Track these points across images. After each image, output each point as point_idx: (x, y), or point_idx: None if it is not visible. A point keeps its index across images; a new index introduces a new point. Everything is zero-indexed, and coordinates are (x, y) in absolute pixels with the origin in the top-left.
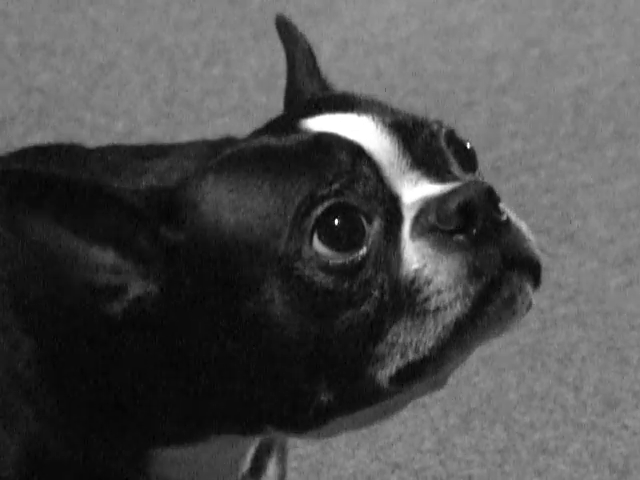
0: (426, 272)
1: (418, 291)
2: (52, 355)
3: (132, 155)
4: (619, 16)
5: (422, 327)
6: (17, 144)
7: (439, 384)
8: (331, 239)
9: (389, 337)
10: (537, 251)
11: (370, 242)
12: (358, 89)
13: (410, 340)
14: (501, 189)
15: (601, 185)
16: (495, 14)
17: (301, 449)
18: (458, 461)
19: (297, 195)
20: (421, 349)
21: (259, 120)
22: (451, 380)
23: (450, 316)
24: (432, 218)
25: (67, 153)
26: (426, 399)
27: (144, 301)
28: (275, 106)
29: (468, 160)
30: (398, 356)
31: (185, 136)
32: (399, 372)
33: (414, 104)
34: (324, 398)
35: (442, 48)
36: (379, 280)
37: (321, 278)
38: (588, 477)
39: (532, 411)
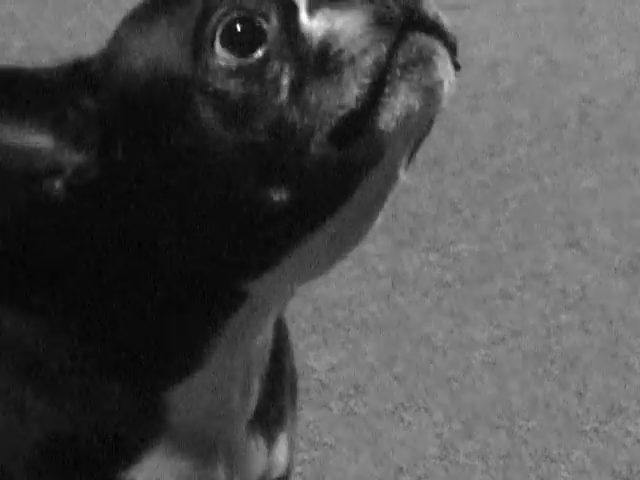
0: (333, 28)
1: (328, 51)
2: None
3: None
4: (624, 23)
5: (342, 81)
6: None
7: (390, 179)
8: (232, 44)
9: (314, 104)
10: (445, 18)
11: (270, 38)
12: None
13: (335, 97)
14: (506, 195)
15: (605, 192)
16: (500, 21)
17: (305, 454)
18: (461, 467)
19: (191, 14)
20: (347, 101)
21: None
22: (455, 386)
23: (367, 60)
24: None
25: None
26: (430, 404)
27: (83, 174)
28: None
29: None
30: (328, 117)
31: None
32: (335, 132)
33: None
34: (278, 197)
35: None
36: (288, 69)
37: (232, 85)
38: None
39: (535, 417)
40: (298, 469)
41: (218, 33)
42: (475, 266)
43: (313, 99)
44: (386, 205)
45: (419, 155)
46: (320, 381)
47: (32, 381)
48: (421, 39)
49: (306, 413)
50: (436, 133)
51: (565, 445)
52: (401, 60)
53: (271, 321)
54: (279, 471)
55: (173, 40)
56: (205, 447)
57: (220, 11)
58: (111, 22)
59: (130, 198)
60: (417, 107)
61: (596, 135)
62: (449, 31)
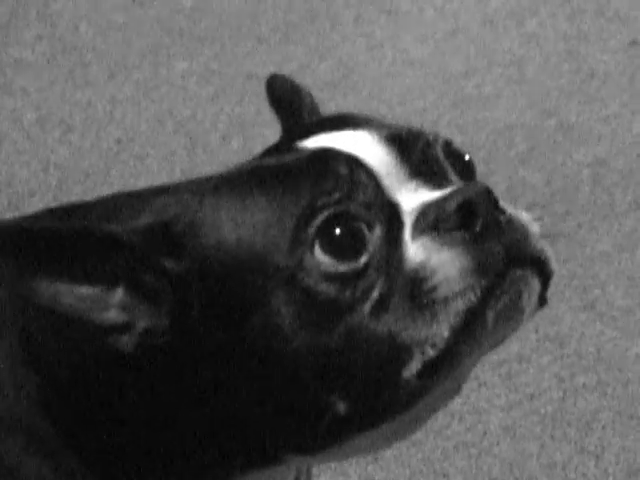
0: (431, 262)
1: (423, 280)
2: (61, 396)
3: (133, 197)
4: (635, 86)
5: (434, 318)
6: None
7: (455, 390)
8: (332, 248)
9: (396, 328)
10: (542, 246)
11: (371, 249)
12: None
13: (425, 335)
14: None
15: (620, 254)
16: (511, 85)
17: None
18: None
19: (296, 206)
20: (437, 341)
21: None
22: (473, 450)
23: (460, 305)
24: (432, 218)
25: (72, 209)
26: (448, 469)
27: (154, 333)
28: None
29: (466, 171)
30: (418, 353)
31: None
32: (420, 370)
33: None
34: (340, 409)
35: (459, 119)
36: (382, 284)
37: (324, 287)
38: None
39: None
40: None
41: (320, 234)
42: None
43: (399, 325)
44: None
45: None
46: None
47: None
48: (517, 277)
49: None
50: None
51: None
52: (498, 305)
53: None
54: None
55: (272, 226)
56: None
57: (327, 212)
58: (123, 96)
59: (193, 364)
60: (500, 339)
61: (609, 198)
62: (545, 257)
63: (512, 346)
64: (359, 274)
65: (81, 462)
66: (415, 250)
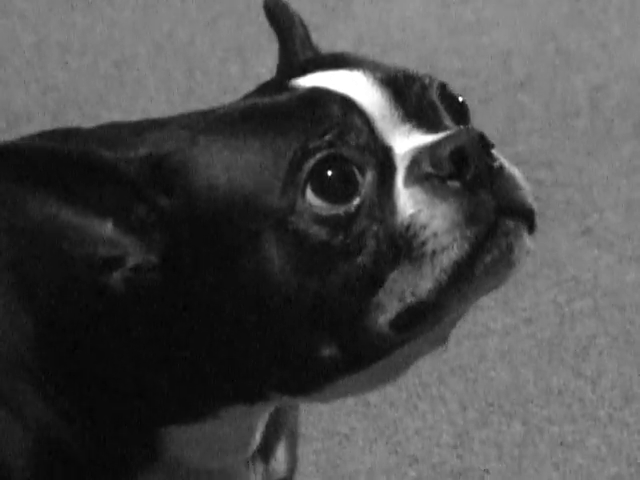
0: (422, 216)
1: (414, 236)
2: (55, 336)
3: (129, 129)
4: (636, 12)
5: (420, 271)
6: None
7: (440, 341)
8: (324, 191)
9: (387, 284)
10: (531, 198)
11: (363, 193)
12: None
13: (408, 284)
14: None
15: (618, 180)
16: (510, 10)
17: (319, 443)
18: (476, 455)
19: (288, 148)
20: (419, 292)
21: None
22: (469, 374)
23: (447, 259)
24: (425, 165)
25: (69, 134)
26: (444, 393)
27: (144, 270)
28: None
29: (461, 114)
30: (396, 301)
31: None
32: (399, 317)
33: None
34: (327, 352)
35: (458, 45)
36: (374, 230)
37: (315, 230)
38: (606, 471)
39: (550, 405)
40: (312, 458)
41: (312, 177)
42: None
43: (388, 277)
44: None
45: None
46: None
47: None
48: (509, 228)
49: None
50: None
51: (580, 432)
52: (487, 258)
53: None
54: (279, 474)
55: (264, 169)
56: (202, 477)
57: (319, 155)
58: (122, 19)
59: (183, 304)
60: (487, 291)
61: (608, 124)
62: (533, 209)
63: None
64: (351, 218)
65: (72, 405)
66: (406, 200)
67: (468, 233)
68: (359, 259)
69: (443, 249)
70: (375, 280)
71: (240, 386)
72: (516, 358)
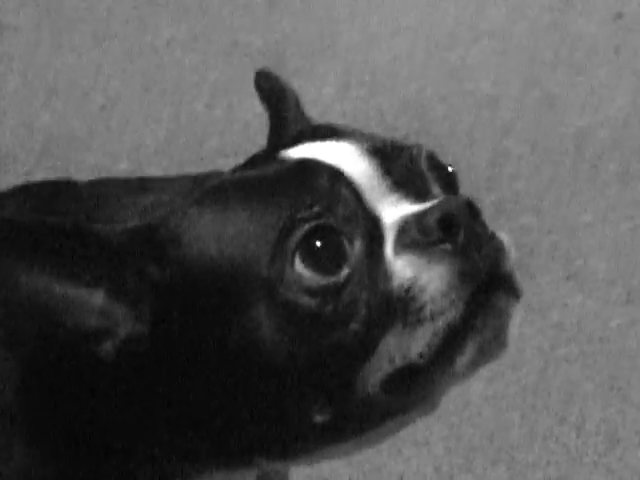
0: (420, 280)
1: (413, 299)
2: (40, 385)
3: (120, 189)
4: (619, 58)
5: (413, 334)
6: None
7: (430, 405)
8: (313, 261)
9: (381, 349)
10: (517, 272)
11: (353, 262)
12: (360, 129)
13: (400, 347)
14: (503, 229)
15: (603, 225)
16: (496, 56)
17: None
18: None
19: (277, 219)
20: (411, 354)
21: None
22: (454, 419)
23: (442, 321)
24: (414, 233)
25: (57, 190)
26: (429, 438)
27: (135, 340)
28: None
29: (450, 183)
30: (387, 362)
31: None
32: (390, 379)
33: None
34: (319, 419)
35: (444, 89)
36: (364, 298)
37: (305, 301)
38: None
39: (534, 450)
40: None
41: (300, 247)
42: None
43: (381, 340)
44: None
45: None
46: None
47: None
48: (501, 301)
49: None
50: None
51: (564, 478)
52: (479, 324)
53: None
54: None
55: (253, 239)
56: None
57: (307, 226)
58: (108, 62)
59: (171, 371)
60: (479, 366)
61: (593, 169)
62: (520, 288)
63: None
64: (340, 288)
65: (55, 450)
66: (402, 265)
67: (463, 293)
68: (350, 327)
69: (441, 313)
70: (367, 346)
71: (226, 451)
72: (501, 403)
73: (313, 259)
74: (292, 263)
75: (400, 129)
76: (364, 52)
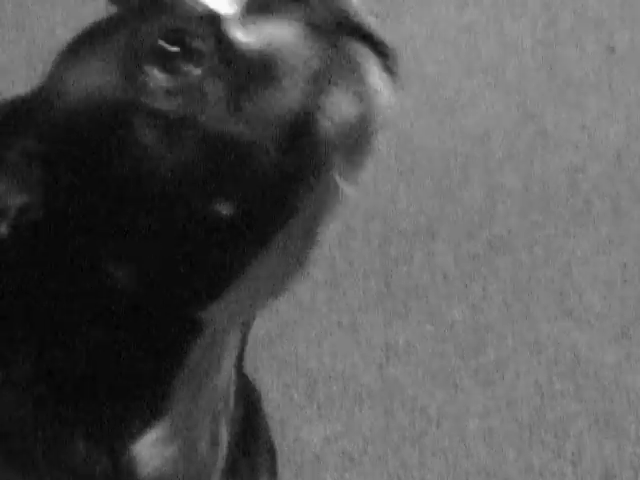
0: (265, 39)
1: (264, 59)
2: None
3: None
4: (612, 93)
5: (278, 91)
6: None
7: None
8: (167, 65)
9: (254, 115)
10: (366, 15)
11: (206, 56)
12: None
13: (274, 107)
14: (497, 265)
15: (597, 260)
16: (489, 91)
17: None
18: None
19: (124, 39)
20: (285, 108)
21: None
22: (450, 456)
23: (300, 69)
24: (254, 5)
25: None
26: (425, 475)
27: (28, 213)
28: None
29: None
30: (270, 127)
31: None
32: (277, 141)
33: (409, 181)
34: (225, 211)
35: (437, 125)
36: (228, 84)
37: (171, 104)
38: None
39: None
40: None
41: (152, 55)
42: (468, 336)
43: (255, 111)
44: (380, 278)
45: (410, 225)
46: (315, 454)
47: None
48: (353, 46)
49: None
50: (427, 203)
51: None
52: (336, 68)
53: (230, 357)
54: None
55: (108, 68)
56: None
57: (152, 35)
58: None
59: (76, 228)
60: (353, 115)
61: (587, 204)
62: (381, 39)
63: (489, 352)
64: (199, 84)
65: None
66: (249, 37)
67: (314, 42)
68: (222, 115)
69: (294, 61)
70: (244, 120)
71: (164, 312)
72: (497, 439)
73: (167, 63)
74: (148, 74)
75: (392, 166)
76: None
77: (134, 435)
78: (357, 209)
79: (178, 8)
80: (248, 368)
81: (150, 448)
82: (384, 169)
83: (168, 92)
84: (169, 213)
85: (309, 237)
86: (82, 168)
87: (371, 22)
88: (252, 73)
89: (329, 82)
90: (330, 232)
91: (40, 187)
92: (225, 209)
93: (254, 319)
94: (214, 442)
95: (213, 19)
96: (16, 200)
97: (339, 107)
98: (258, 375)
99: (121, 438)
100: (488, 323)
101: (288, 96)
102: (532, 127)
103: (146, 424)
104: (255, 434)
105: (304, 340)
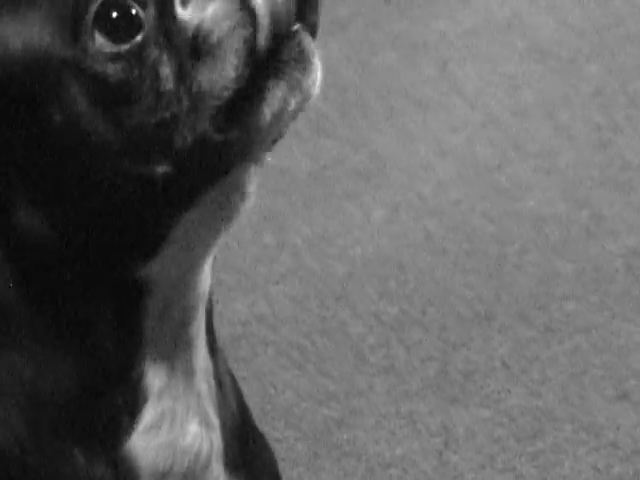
0: (203, 15)
1: (201, 32)
2: None
3: None
4: None
5: (215, 64)
6: None
7: (263, 147)
8: (110, 31)
9: (193, 88)
10: None
11: (148, 25)
12: (409, 253)
13: (213, 80)
14: (555, 351)
15: None
16: (544, 176)
17: None
18: None
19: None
20: (227, 82)
21: (312, 284)
22: None
23: (234, 43)
24: None
25: None
26: None
27: None
28: (328, 271)
29: None
30: (209, 99)
31: (238, 305)
32: (218, 114)
33: (465, 266)
34: (160, 170)
35: (492, 211)
36: (166, 55)
37: (112, 69)
38: None
39: None
40: None
41: (96, 18)
42: (526, 421)
43: (194, 84)
44: (438, 363)
45: (466, 310)
46: None
47: None
48: (300, 36)
49: None
50: (483, 288)
51: None
52: (284, 57)
53: (197, 330)
54: None
55: (51, 22)
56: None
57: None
58: None
59: (7, 180)
60: (292, 106)
61: None
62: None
63: (547, 437)
64: (140, 50)
65: None
66: (189, 13)
67: (248, 16)
68: (160, 85)
69: (227, 34)
70: (184, 92)
71: (107, 269)
72: None
73: (110, 29)
74: (92, 36)
75: (449, 251)
76: (412, 175)
77: (126, 429)
78: (413, 295)
79: None
80: (307, 455)
81: (143, 438)
82: (440, 254)
83: (109, 57)
84: (104, 170)
85: (238, 192)
86: (14, 118)
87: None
88: (191, 48)
89: (278, 72)
90: (387, 317)
91: None
92: (160, 169)
93: (210, 293)
94: (206, 423)
95: None
96: None
97: (281, 99)
98: (317, 462)
99: (114, 436)
100: (546, 408)
101: (223, 72)
102: (587, 211)
103: (133, 414)
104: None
105: (362, 427)
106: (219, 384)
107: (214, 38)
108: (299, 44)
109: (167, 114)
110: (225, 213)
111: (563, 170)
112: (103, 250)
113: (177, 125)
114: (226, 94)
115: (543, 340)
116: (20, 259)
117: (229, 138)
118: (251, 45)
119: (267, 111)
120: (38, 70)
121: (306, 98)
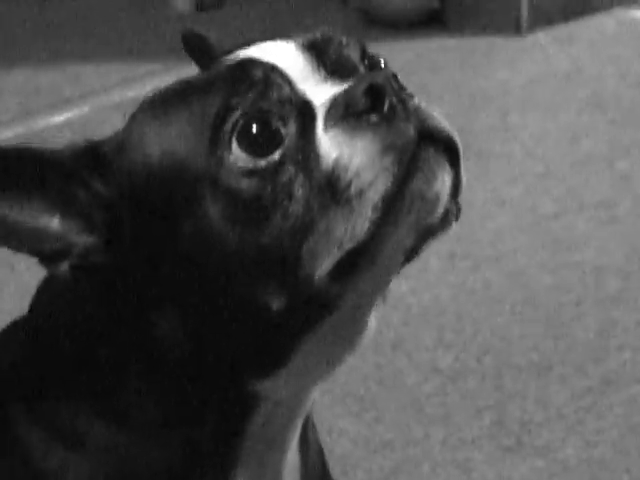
0: (343, 158)
1: (339, 179)
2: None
3: None
4: None
5: (351, 214)
6: None
7: (380, 291)
8: (249, 145)
9: (320, 230)
10: (449, 128)
11: (287, 143)
12: (466, 302)
13: (343, 230)
14: (612, 401)
15: None
16: (602, 226)
17: None
18: None
19: (212, 108)
20: (355, 235)
21: None
22: None
23: (375, 195)
24: (341, 107)
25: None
26: None
27: (89, 255)
28: (384, 319)
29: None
30: (334, 248)
31: None
32: (338, 267)
33: (522, 316)
34: (276, 305)
35: (550, 261)
36: (301, 179)
37: (245, 184)
38: None
39: None
40: None
41: (236, 131)
42: (582, 472)
43: (322, 223)
44: (494, 413)
45: (523, 360)
46: None
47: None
48: (430, 155)
49: None
50: (540, 338)
51: None
52: (412, 185)
53: (293, 430)
54: None
55: (191, 133)
56: None
57: (239, 111)
58: None
59: (134, 282)
60: (412, 242)
61: None
62: (453, 138)
63: None
64: (277, 168)
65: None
66: (328, 144)
67: (389, 163)
68: (290, 208)
69: (368, 186)
70: (308, 228)
71: (221, 383)
72: None
73: (249, 142)
74: (229, 148)
75: (506, 300)
76: (469, 225)
77: None
78: (470, 344)
79: (271, 89)
80: None
81: None
82: (496, 304)
83: (245, 172)
84: (224, 289)
85: (357, 323)
86: (147, 222)
87: (452, 131)
88: (325, 184)
89: (402, 213)
90: (443, 365)
91: (103, 232)
92: (276, 302)
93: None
94: None
95: (306, 107)
96: (79, 241)
97: (403, 239)
98: None
99: None
100: (602, 458)
101: (357, 223)
102: None
103: None
104: None
105: (418, 476)
106: (306, 473)
107: (352, 188)
108: (432, 167)
109: (289, 244)
110: (344, 342)
111: (621, 220)
112: (227, 360)
113: (293, 262)
114: (351, 244)
115: (599, 390)
116: (156, 357)
117: (347, 287)
118: (389, 196)
119: (388, 253)
120: (175, 180)
121: (427, 234)
